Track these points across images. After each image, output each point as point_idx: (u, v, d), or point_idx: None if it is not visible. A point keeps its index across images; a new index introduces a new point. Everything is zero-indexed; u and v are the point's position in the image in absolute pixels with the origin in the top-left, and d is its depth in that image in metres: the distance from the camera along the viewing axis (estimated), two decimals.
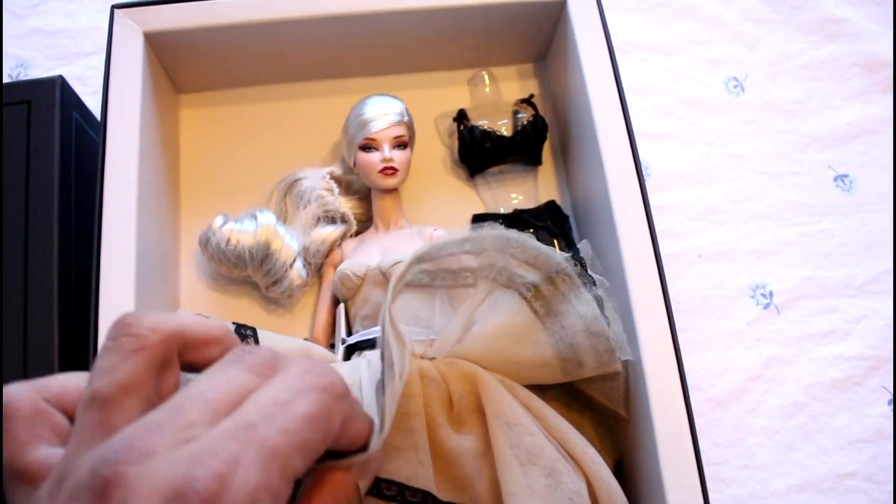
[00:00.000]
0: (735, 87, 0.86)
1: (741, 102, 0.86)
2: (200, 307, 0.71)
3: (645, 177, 0.67)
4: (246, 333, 0.60)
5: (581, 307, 0.55)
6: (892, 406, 0.76)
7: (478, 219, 0.74)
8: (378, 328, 0.64)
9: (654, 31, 0.88)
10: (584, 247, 0.65)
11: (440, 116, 0.78)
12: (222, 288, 0.72)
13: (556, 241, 0.75)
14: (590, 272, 0.63)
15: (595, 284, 0.59)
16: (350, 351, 0.64)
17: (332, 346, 0.67)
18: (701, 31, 0.88)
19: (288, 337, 0.63)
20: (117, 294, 0.59)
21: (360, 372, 0.58)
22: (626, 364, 0.57)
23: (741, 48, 0.88)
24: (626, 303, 0.58)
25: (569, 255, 0.64)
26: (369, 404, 0.56)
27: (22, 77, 0.86)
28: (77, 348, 0.64)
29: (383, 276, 0.66)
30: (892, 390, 0.77)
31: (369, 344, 0.63)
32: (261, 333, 0.61)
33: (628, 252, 0.60)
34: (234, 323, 0.60)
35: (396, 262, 0.65)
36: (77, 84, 0.80)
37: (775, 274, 0.78)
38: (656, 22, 0.88)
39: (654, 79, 0.87)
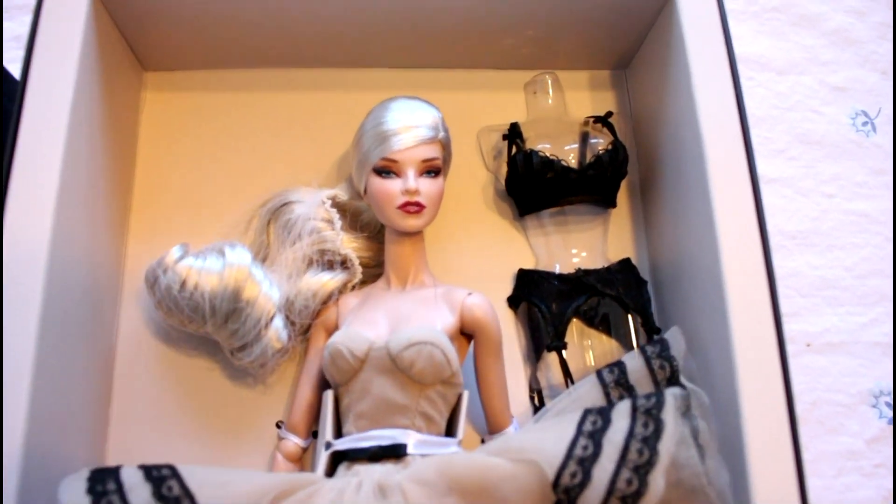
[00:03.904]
0: (864, 124, 0.74)
1: (871, 145, 0.73)
2: (141, 365, 0.59)
3: None
4: (164, 484, 0.43)
5: (674, 447, 0.45)
6: None
7: (525, 276, 0.61)
8: (380, 432, 0.50)
9: (766, 44, 0.76)
10: (673, 338, 0.53)
11: (485, 130, 0.66)
12: (174, 341, 0.60)
13: (629, 317, 0.60)
14: (682, 378, 0.51)
15: (690, 403, 0.48)
16: (336, 459, 0.52)
17: (314, 434, 0.57)
18: (825, 49, 0.77)
19: (232, 472, 0.46)
20: (15, 341, 0.46)
21: (347, 499, 0.45)
22: None
23: (874, 74, 0.76)
24: (735, 421, 0.48)
25: (654, 350, 0.52)
26: None
27: None
28: None
29: (392, 363, 0.50)
30: None
31: (364, 454, 0.49)
32: (186, 474, 0.44)
33: (742, 342, 0.49)
34: (141, 466, 0.45)
35: (412, 345, 0.49)
36: (15, 45, 0.67)
37: None
38: (769, 32, 0.77)
39: (761, 105, 0.73)
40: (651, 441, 0.44)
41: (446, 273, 0.60)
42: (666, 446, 0.44)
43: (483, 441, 0.56)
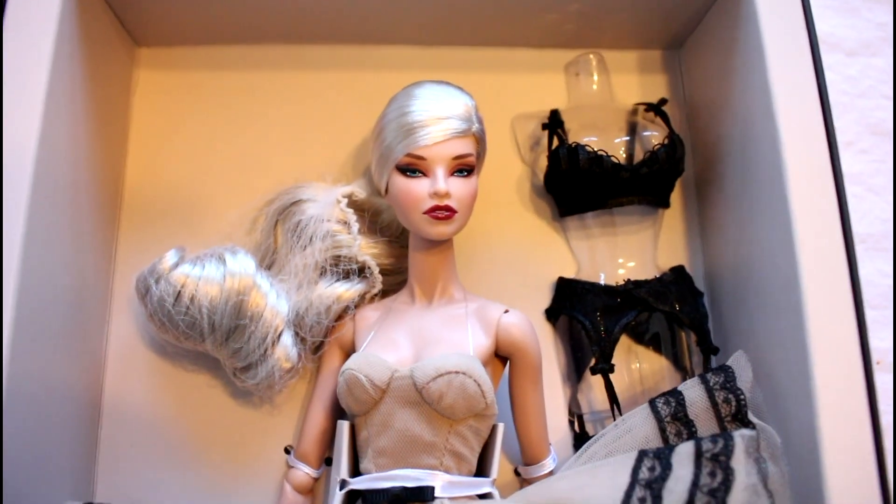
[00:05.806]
0: None
1: None
2: (133, 382, 0.55)
3: None
4: None
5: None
6: None
7: (565, 286, 0.55)
8: (403, 472, 0.45)
9: (835, 21, 0.71)
10: (738, 365, 0.48)
11: (521, 118, 0.61)
12: (171, 354, 0.55)
13: (682, 335, 0.54)
14: (750, 415, 0.46)
15: (759, 444, 0.43)
16: (352, 498, 0.47)
17: (328, 461, 0.52)
18: None
19: None
20: None
21: None
22: None
23: None
24: (813, 465, 0.43)
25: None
26: None
27: None
28: None
29: (417, 394, 0.44)
30: None
31: (385, 497, 0.44)
32: None
33: (824, 370, 0.44)
34: None
35: (441, 375, 0.44)
36: None
37: None
38: (839, 7, 0.71)
39: (829, 90, 0.64)
40: (720, 494, 0.40)
41: (475, 280, 0.56)
42: (737, 500, 0.40)
43: (517, 472, 0.51)
